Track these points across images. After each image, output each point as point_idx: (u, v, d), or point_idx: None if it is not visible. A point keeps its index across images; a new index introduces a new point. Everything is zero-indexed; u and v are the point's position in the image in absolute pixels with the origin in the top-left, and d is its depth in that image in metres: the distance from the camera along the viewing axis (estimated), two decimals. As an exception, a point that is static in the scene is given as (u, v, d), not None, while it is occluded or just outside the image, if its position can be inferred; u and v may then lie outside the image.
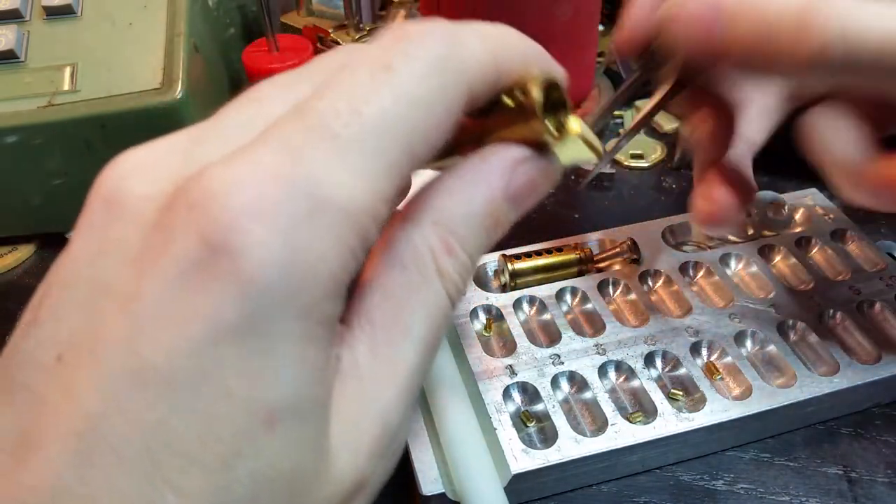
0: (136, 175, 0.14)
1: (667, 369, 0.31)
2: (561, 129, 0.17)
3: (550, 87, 0.16)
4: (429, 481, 0.27)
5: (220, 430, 0.13)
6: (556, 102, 0.17)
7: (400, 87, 0.14)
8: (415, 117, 0.14)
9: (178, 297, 0.12)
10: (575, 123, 0.17)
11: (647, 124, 0.27)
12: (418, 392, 0.16)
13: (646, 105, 0.27)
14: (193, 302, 0.12)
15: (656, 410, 0.29)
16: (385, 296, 0.16)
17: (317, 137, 0.13)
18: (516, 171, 0.17)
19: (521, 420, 0.29)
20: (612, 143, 0.26)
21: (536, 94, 0.16)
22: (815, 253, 0.37)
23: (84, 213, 0.15)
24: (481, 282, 0.35)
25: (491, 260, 0.36)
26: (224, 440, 0.13)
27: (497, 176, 0.16)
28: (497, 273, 0.36)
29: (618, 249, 0.33)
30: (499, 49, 0.16)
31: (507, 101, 0.17)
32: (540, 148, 0.17)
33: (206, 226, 0.12)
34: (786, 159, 0.32)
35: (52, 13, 0.40)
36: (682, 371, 0.31)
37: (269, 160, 0.13)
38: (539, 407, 0.29)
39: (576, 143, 0.17)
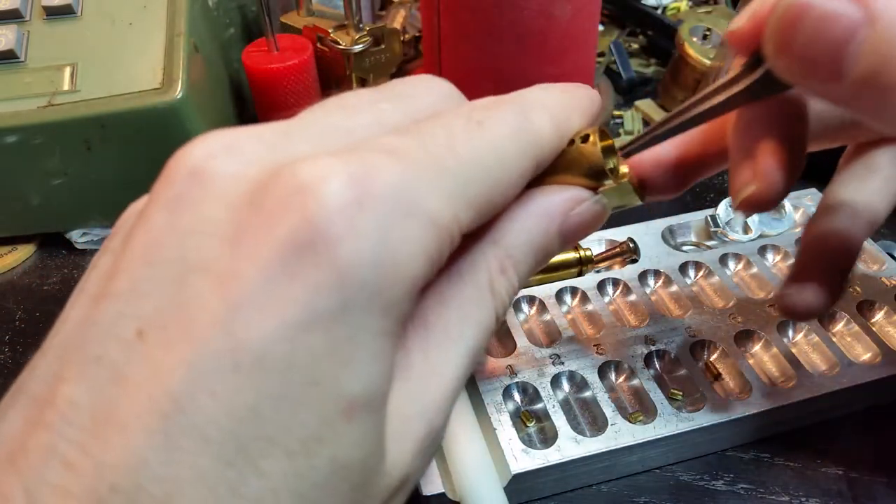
0: (224, 155, 0.14)
1: (667, 369, 0.31)
2: (615, 173, 0.19)
3: (602, 135, 0.19)
4: (429, 481, 0.27)
5: (305, 416, 0.13)
6: (606, 148, 0.19)
7: (489, 143, 0.16)
8: (497, 170, 0.16)
9: (277, 280, 0.13)
10: (625, 167, 0.20)
11: (694, 126, 0.21)
12: (456, 399, 0.17)
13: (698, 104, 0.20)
14: (292, 286, 0.13)
15: (656, 410, 0.29)
16: (440, 303, 0.16)
17: (419, 156, 0.14)
18: (573, 211, 0.18)
19: (521, 420, 0.29)
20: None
21: (597, 143, 0.18)
22: (815, 253, 0.37)
23: (165, 185, 0.14)
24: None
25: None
26: (308, 426, 0.13)
27: (557, 212, 0.18)
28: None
29: (618, 249, 0.33)
30: (562, 121, 0.18)
31: (567, 147, 0.19)
32: (593, 191, 0.19)
33: (311, 211, 0.13)
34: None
35: (52, 13, 0.40)
36: (682, 371, 0.31)
37: (377, 162, 0.14)
38: (539, 407, 0.29)
39: (625, 189, 0.20)
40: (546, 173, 0.19)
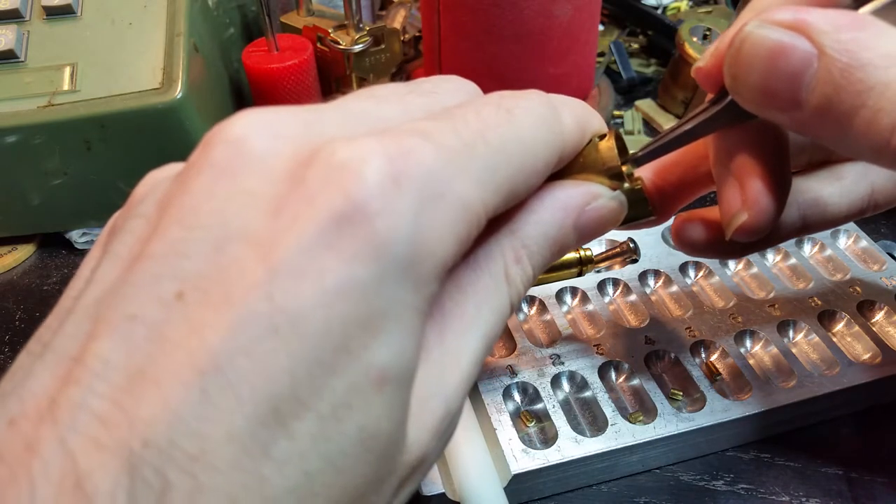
0: (263, 130, 0.15)
1: (667, 369, 0.31)
2: (630, 176, 0.20)
3: (618, 139, 0.19)
4: (429, 481, 0.27)
5: (336, 382, 0.13)
6: (622, 151, 0.20)
7: (517, 131, 0.16)
8: (523, 158, 0.16)
9: (316, 250, 0.13)
10: (636, 171, 0.20)
11: (680, 146, 0.21)
12: (472, 383, 0.17)
13: (679, 125, 0.21)
14: (330, 256, 0.13)
15: (656, 410, 0.29)
16: (457, 290, 0.17)
17: (451, 140, 0.15)
18: (590, 206, 0.19)
19: (521, 420, 0.29)
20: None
21: (613, 144, 0.19)
22: (815, 253, 0.37)
23: (204, 154, 0.15)
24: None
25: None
26: (338, 392, 0.13)
27: (573, 205, 0.19)
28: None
29: (618, 249, 0.33)
30: (583, 120, 0.19)
31: (584, 147, 0.19)
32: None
33: (351, 187, 0.13)
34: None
35: (52, 13, 0.40)
36: (682, 371, 0.31)
37: (413, 144, 0.14)
38: (539, 407, 0.29)
39: (638, 196, 0.20)
40: (564, 172, 0.19)
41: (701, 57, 0.21)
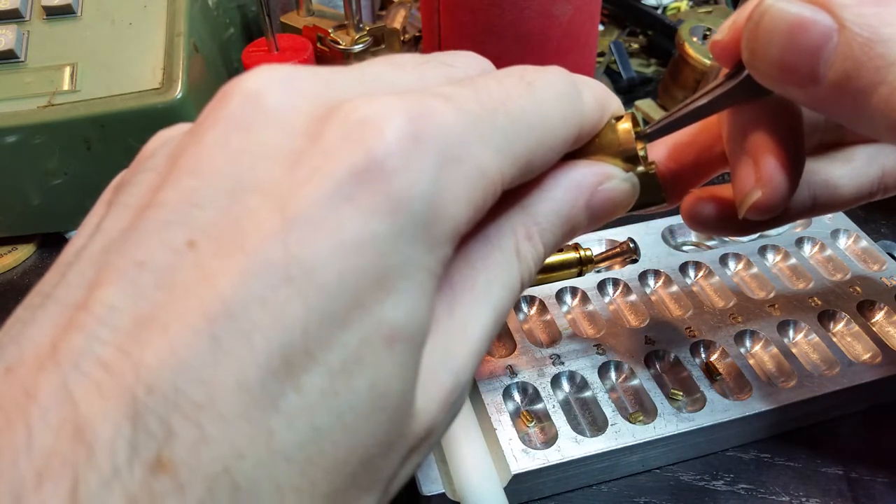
0: (281, 84, 0.15)
1: (667, 369, 0.31)
2: (644, 159, 0.20)
3: (634, 121, 0.20)
4: (429, 481, 0.27)
5: (347, 335, 0.13)
6: (637, 134, 0.20)
7: (538, 104, 0.16)
8: (542, 132, 0.16)
9: (333, 203, 0.13)
10: (650, 154, 0.20)
11: (690, 123, 0.21)
12: (482, 358, 0.17)
13: (689, 102, 0.21)
14: (347, 209, 0.13)
15: (656, 410, 0.29)
16: (466, 264, 0.17)
17: (473, 106, 0.15)
18: (602, 186, 0.19)
19: (521, 420, 0.29)
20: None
21: (630, 126, 0.19)
22: (815, 253, 0.37)
23: (218, 107, 0.14)
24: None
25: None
26: (348, 346, 0.13)
27: (587, 184, 0.18)
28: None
29: (618, 249, 0.33)
30: (603, 100, 0.19)
31: (604, 128, 0.19)
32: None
33: (371, 143, 0.13)
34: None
35: (52, 13, 0.40)
36: (682, 371, 0.31)
37: (434, 105, 0.14)
38: (539, 407, 0.29)
39: (651, 180, 0.20)
40: (579, 152, 0.19)
41: (718, 30, 0.21)
